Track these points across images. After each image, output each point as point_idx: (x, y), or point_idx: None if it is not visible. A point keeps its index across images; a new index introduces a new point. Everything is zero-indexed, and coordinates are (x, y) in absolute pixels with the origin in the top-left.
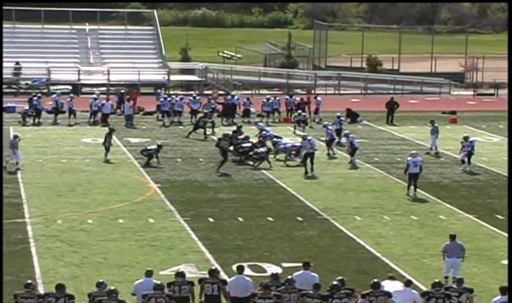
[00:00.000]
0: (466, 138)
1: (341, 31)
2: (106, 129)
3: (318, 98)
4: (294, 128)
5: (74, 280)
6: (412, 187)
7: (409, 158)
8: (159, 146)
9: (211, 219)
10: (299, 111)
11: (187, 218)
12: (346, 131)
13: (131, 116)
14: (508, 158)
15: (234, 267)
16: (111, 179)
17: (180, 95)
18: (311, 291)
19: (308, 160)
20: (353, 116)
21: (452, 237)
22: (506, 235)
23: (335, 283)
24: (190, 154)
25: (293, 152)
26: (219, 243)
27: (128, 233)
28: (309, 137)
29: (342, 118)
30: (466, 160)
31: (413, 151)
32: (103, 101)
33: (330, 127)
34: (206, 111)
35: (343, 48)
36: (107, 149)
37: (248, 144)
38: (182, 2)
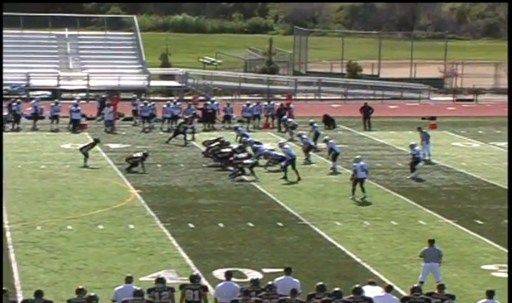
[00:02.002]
0: (411, 146)
1: (321, 37)
2: (85, 134)
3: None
4: (291, 134)
5: (54, 287)
6: (356, 191)
7: (355, 164)
8: (145, 154)
9: (191, 225)
10: (286, 118)
11: (167, 224)
12: (326, 137)
13: (111, 121)
14: (508, 162)
15: (216, 272)
16: (91, 185)
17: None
18: (289, 297)
19: (290, 167)
20: (330, 122)
21: (431, 242)
22: (486, 240)
23: (320, 283)
24: (170, 160)
25: (272, 160)
26: (199, 249)
27: (107, 239)
28: (286, 145)
29: (315, 124)
30: (419, 164)
31: (357, 156)
32: (79, 108)
33: (304, 136)
34: (187, 117)
35: (323, 53)
36: (86, 156)
37: (228, 150)
38: (166, 2)
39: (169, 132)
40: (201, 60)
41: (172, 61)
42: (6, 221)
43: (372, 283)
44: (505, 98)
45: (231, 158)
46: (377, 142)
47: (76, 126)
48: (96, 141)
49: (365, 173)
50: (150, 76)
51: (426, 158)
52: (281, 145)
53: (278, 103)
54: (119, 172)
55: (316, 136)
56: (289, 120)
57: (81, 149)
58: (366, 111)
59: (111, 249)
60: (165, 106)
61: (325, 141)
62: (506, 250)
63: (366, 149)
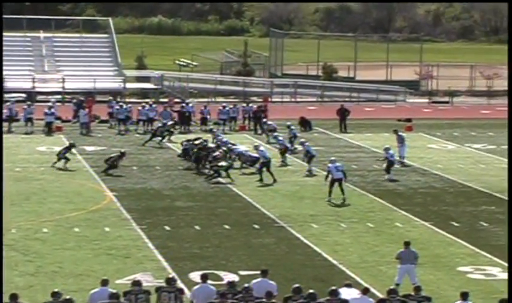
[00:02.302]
0: (386, 149)
1: (297, 39)
2: (60, 136)
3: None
4: (267, 136)
5: (29, 290)
6: (334, 193)
7: (330, 165)
8: (122, 153)
9: (167, 228)
10: (266, 121)
11: (143, 227)
12: (302, 139)
13: (86, 124)
14: (508, 166)
15: (193, 275)
16: (66, 188)
17: (144, 103)
18: (265, 300)
19: (265, 169)
20: (306, 124)
21: (407, 244)
22: (462, 242)
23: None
24: (146, 162)
25: (248, 162)
26: (175, 252)
27: (83, 242)
28: (261, 148)
29: (292, 126)
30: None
31: (332, 158)
32: (53, 110)
33: (280, 138)
34: (165, 122)
35: (299, 56)
36: (61, 159)
37: (204, 152)
38: (142, 2)
39: (144, 135)
40: (177, 62)
41: (148, 63)
42: None
43: (348, 285)
44: (480, 100)
45: (209, 158)
46: (353, 145)
47: (50, 129)
48: (71, 146)
49: (342, 174)
50: (125, 78)
51: (403, 160)
52: (256, 147)
53: (255, 106)
54: (94, 174)
55: (294, 138)
56: (269, 123)
57: (58, 154)
58: (343, 113)
59: (87, 251)
60: (140, 108)
61: (301, 143)
62: (482, 252)
63: (343, 152)
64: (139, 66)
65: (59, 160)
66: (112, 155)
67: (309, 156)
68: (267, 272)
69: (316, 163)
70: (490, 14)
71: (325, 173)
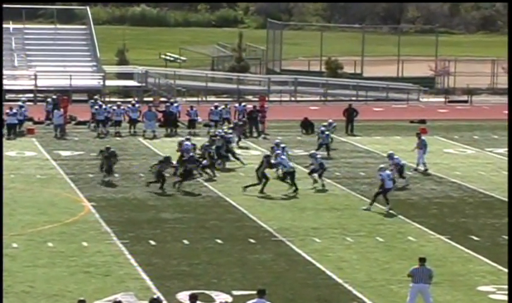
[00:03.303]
0: (390, 156)
1: (297, 31)
2: (32, 140)
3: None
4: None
5: None
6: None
7: (382, 173)
8: (166, 159)
9: (152, 242)
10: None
11: (125, 241)
12: (313, 151)
13: (61, 126)
14: (508, 169)
15: (180, 295)
16: (39, 197)
17: (118, 102)
18: None
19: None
20: (308, 127)
21: (421, 260)
22: (482, 258)
23: None
24: (129, 169)
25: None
26: (161, 269)
27: (58, 259)
28: (283, 156)
29: (327, 132)
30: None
31: (382, 165)
32: (15, 110)
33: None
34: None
35: (300, 49)
36: None
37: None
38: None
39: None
40: (162, 57)
41: (130, 58)
42: None
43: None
44: (503, 99)
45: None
46: (360, 149)
47: (11, 132)
48: None
49: (392, 183)
50: (105, 74)
51: (420, 167)
52: (313, 155)
53: (250, 105)
54: (71, 182)
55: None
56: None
57: None
58: (351, 114)
59: (62, 269)
60: (115, 107)
61: (312, 156)
62: (505, 270)
63: (349, 157)
64: (120, 61)
65: None
66: (155, 162)
67: (321, 170)
68: (264, 292)
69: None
70: None
71: (331, 182)
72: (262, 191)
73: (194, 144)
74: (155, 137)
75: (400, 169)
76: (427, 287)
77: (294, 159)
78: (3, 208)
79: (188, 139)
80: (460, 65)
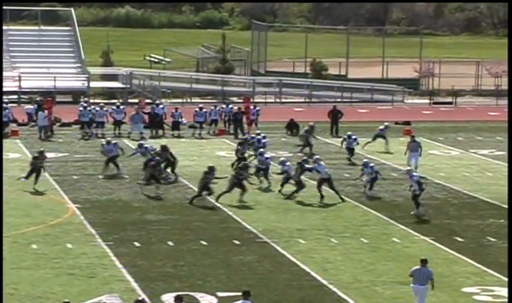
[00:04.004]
0: (365, 164)
1: (282, 33)
2: (16, 141)
3: (257, 108)
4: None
5: None
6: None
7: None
8: (210, 169)
9: (137, 244)
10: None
11: (110, 243)
12: (317, 156)
13: (46, 127)
14: (508, 171)
15: (165, 297)
16: (23, 199)
17: (101, 103)
18: None
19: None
20: (293, 128)
21: (422, 262)
22: (467, 259)
23: None
24: (113, 171)
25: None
26: (146, 271)
27: (42, 260)
28: (321, 162)
29: (353, 136)
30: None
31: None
32: None
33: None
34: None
35: (284, 51)
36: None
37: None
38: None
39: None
40: (147, 58)
41: (115, 60)
42: None
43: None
44: (487, 100)
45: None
46: (345, 150)
47: None
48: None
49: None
50: (89, 76)
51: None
52: (315, 161)
53: (236, 107)
54: (55, 184)
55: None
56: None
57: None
58: (335, 115)
59: (46, 271)
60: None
61: (316, 161)
62: (489, 271)
63: (334, 158)
64: (105, 63)
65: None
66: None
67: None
68: (248, 293)
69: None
70: (499, 4)
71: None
72: (291, 196)
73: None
74: (143, 138)
75: (373, 180)
76: (423, 288)
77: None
78: None
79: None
80: (444, 66)
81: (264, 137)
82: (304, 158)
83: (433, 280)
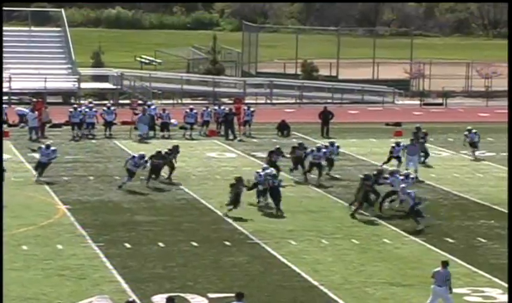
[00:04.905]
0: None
1: (273, 34)
2: (7, 142)
3: (251, 109)
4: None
5: None
6: None
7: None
8: (238, 180)
9: (128, 245)
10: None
11: (100, 244)
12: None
13: (36, 128)
14: (508, 169)
15: (156, 298)
16: (13, 200)
17: (91, 104)
18: None
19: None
20: (284, 129)
21: (443, 263)
22: (457, 260)
23: None
24: (104, 172)
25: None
26: (136, 272)
27: (32, 262)
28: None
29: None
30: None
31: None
32: None
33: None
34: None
35: (275, 52)
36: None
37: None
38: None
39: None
40: (138, 59)
41: (106, 60)
42: None
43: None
44: (477, 101)
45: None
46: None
47: None
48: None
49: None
50: (80, 77)
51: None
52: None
53: (227, 108)
54: (45, 185)
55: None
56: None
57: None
58: (326, 116)
59: (37, 272)
60: (87, 110)
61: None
62: (480, 271)
63: (324, 159)
64: (95, 64)
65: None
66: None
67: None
68: (242, 295)
69: (294, 172)
70: (489, 5)
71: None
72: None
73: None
74: (144, 140)
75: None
76: (441, 290)
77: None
78: None
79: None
80: (435, 68)
81: (338, 147)
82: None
83: (450, 281)
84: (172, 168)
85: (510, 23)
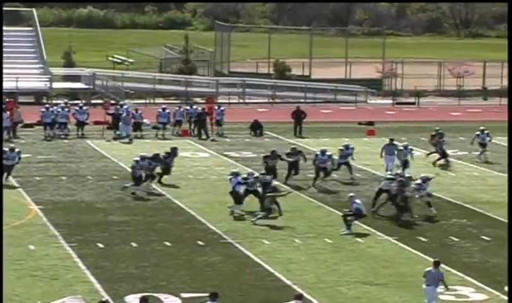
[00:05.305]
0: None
1: (245, 33)
2: None
3: (221, 108)
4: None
5: None
6: None
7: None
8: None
9: (100, 245)
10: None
11: (73, 244)
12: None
13: (8, 128)
14: (508, 170)
15: (129, 298)
16: None
17: (61, 104)
18: None
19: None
20: (257, 128)
21: (434, 263)
22: (430, 259)
23: None
24: (76, 172)
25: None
26: (109, 272)
27: (5, 262)
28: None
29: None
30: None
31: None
32: None
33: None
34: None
35: (248, 51)
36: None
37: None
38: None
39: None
40: (110, 59)
41: (78, 60)
42: None
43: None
44: (449, 100)
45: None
46: (308, 151)
47: None
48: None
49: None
50: (52, 77)
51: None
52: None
53: (200, 108)
54: (17, 185)
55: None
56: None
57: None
58: (299, 116)
59: (9, 273)
60: (59, 110)
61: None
62: (452, 270)
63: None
64: (67, 63)
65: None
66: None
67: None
68: (216, 295)
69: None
70: (460, 5)
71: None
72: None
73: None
74: (130, 140)
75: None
76: (429, 289)
77: (242, 161)
78: None
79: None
80: (407, 67)
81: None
82: (407, 175)
83: (443, 282)
84: (167, 171)
85: (510, 23)
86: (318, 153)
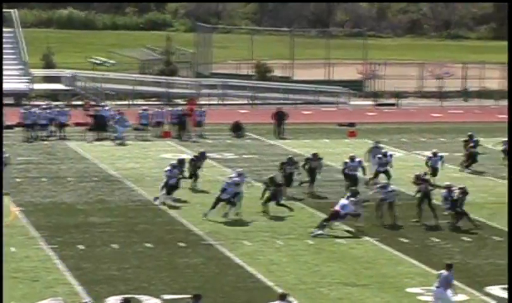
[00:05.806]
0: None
1: (227, 34)
2: None
3: (202, 109)
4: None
5: None
6: None
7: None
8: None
9: (81, 247)
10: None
11: (54, 246)
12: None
13: None
14: (508, 171)
15: (110, 300)
16: None
17: (42, 105)
18: None
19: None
20: (238, 129)
21: (446, 266)
22: (411, 260)
23: None
24: (57, 173)
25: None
26: (90, 274)
27: None
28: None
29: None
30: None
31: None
32: None
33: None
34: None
35: (229, 53)
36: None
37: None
38: (46, 2)
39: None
40: (90, 60)
41: (58, 61)
42: None
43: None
44: (430, 102)
45: None
46: (289, 152)
47: None
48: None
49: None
50: (32, 78)
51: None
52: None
53: (181, 109)
54: None
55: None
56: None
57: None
58: (280, 117)
59: None
60: (39, 111)
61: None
62: (433, 271)
63: (278, 160)
64: (46, 65)
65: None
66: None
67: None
68: (199, 297)
69: (249, 173)
70: (441, 6)
71: (262, 186)
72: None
73: None
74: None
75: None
76: (437, 291)
77: (224, 162)
78: None
79: None
80: (388, 68)
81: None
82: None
83: (449, 284)
84: (195, 176)
85: (510, 23)
86: (347, 160)
